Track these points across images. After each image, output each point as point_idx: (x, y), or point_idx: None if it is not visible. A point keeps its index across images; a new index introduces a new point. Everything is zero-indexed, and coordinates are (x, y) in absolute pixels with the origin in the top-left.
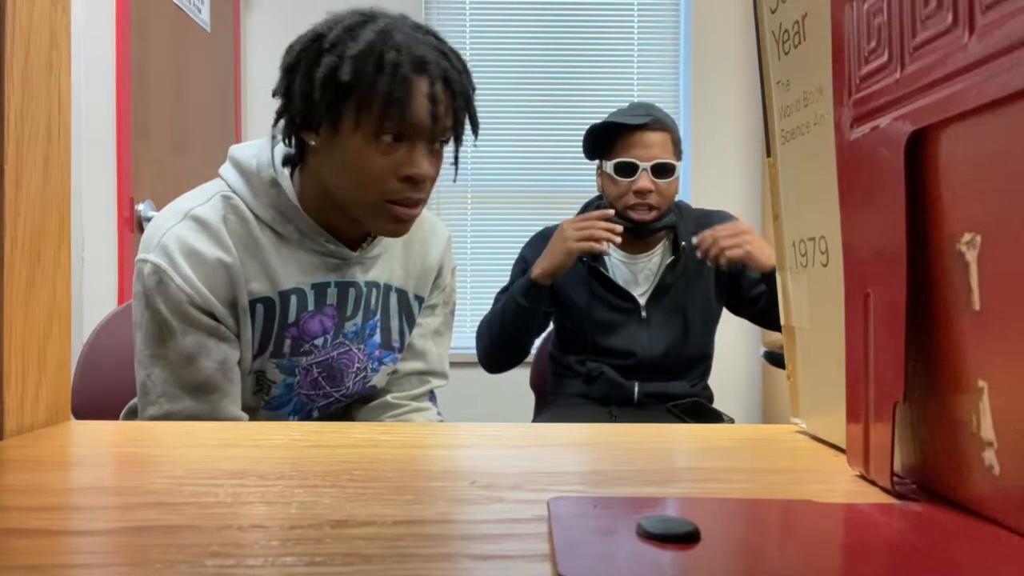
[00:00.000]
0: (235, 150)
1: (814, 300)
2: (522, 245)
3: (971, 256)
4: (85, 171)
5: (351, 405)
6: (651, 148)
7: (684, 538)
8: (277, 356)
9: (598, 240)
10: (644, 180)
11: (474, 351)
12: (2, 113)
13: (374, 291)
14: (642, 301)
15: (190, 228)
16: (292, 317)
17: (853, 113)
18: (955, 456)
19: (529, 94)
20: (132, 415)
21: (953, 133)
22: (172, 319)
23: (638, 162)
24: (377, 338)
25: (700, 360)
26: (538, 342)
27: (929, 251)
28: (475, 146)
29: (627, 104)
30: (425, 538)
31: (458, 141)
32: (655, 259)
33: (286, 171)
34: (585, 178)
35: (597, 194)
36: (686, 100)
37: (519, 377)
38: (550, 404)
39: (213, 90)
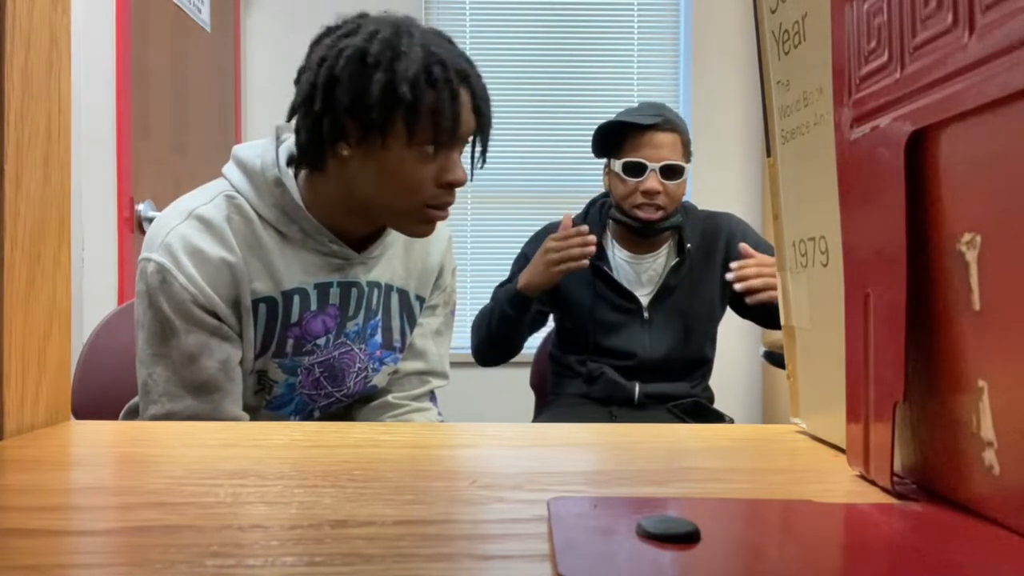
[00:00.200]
0: (239, 150)
1: (814, 300)
2: (521, 244)
3: (971, 256)
4: (85, 171)
5: (352, 405)
6: (661, 149)
7: (684, 538)
8: (279, 356)
9: (575, 259)
10: (652, 181)
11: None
12: (2, 113)
13: (376, 291)
14: (645, 302)
15: (194, 227)
16: (295, 317)
17: (853, 113)
18: (955, 456)
19: (529, 94)
20: (132, 415)
21: (953, 133)
22: (175, 318)
23: (647, 162)
24: (378, 338)
25: (701, 362)
26: (538, 342)
27: (929, 251)
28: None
29: (637, 104)
30: (425, 538)
31: (485, 144)
32: (660, 260)
33: (290, 171)
34: (585, 178)
35: (602, 192)
36: (686, 100)
37: (519, 377)
38: (550, 404)
39: (213, 90)
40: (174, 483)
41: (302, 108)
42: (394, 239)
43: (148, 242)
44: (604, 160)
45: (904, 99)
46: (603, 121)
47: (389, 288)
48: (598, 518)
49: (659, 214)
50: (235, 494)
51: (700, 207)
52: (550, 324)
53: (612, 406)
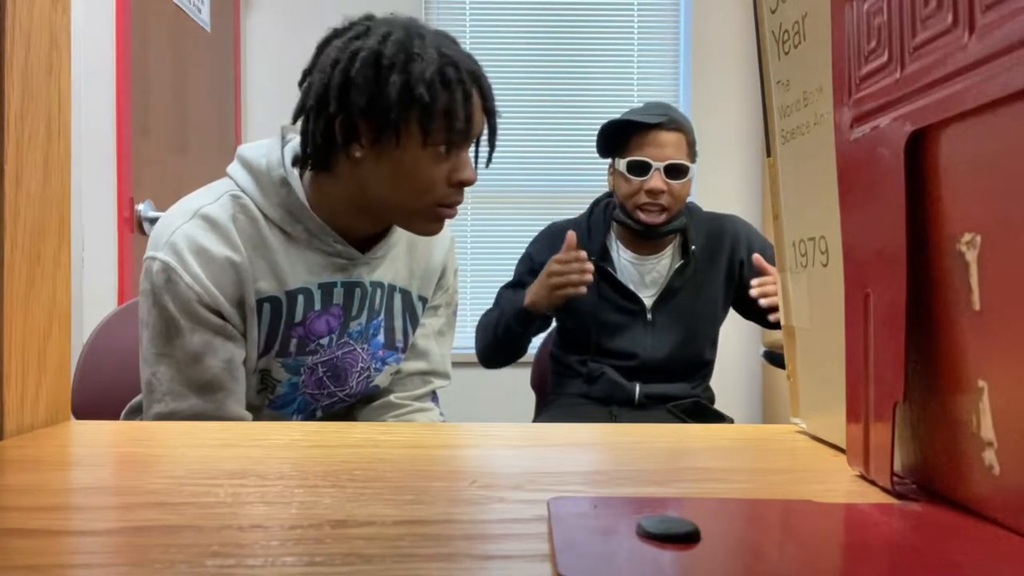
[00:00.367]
0: (244, 150)
1: (814, 300)
2: (521, 244)
3: (971, 256)
4: (85, 171)
5: (354, 405)
6: (665, 148)
7: (684, 538)
8: (283, 355)
9: (575, 284)
10: (656, 180)
11: (474, 351)
12: (2, 113)
13: (379, 291)
14: (648, 303)
15: (199, 227)
16: (299, 316)
17: (853, 113)
18: (955, 456)
19: (529, 94)
20: (133, 414)
21: (953, 133)
22: (180, 317)
23: (651, 161)
24: (381, 338)
25: (703, 363)
26: (539, 342)
27: (929, 251)
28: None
29: (642, 104)
30: (425, 538)
31: (493, 144)
32: (664, 262)
33: (295, 171)
34: (584, 178)
35: (606, 191)
36: (686, 100)
37: (520, 377)
38: (550, 404)
39: (213, 90)
40: (174, 483)
41: (314, 110)
42: (397, 239)
43: (153, 241)
44: (607, 160)
45: (904, 99)
46: (605, 121)
47: (392, 288)
48: (598, 518)
49: (662, 217)
50: (235, 494)
51: (701, 207)
52: (551, 323)
53: (612, 406)
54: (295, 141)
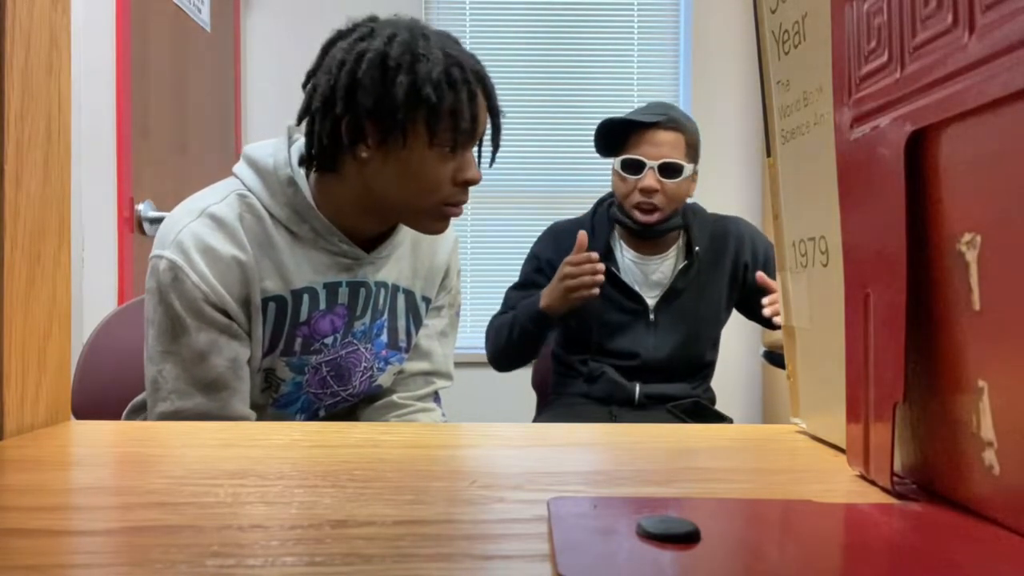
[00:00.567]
0: (251, 149)
1: (814, 300)
2: (521, 244)
3: (971, 256)
4: (85, 171)
5: (357, 404)
6: (660, 147)
7: (684, 538)
8: (287, 354)
9: (588, 286)
10: (650, 178)
11: (475, 351)
12: (2, 113)
13: (383, 291)
14: (651, 304)
15: (206, 225)
16: (304, 316)
17: (853, 113)
18: (955, 456)
19: (529, 94)
20: (135, 413)
21: (953, 133)
22: (186, 316)
23: (645, 160)
24: (384, 338)
25: (704, 364)
26: None
27: (929, 251)
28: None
29: (646, 103)
30: (425, 538)
31: (497, 144)
32: (668, 262)
33: (302, 171)
34: (584, 178)
35: (610, 191)
36: (686, 100)
37: (520, 377)
38: (551, 404)
39: (213, 90)
40: (174, 483)
41: (320, 111)
42: (402, 240)
43: (160, 239)
44: (610, 160)
45: (904, 99)
46: (602, 120)
47: (396, 288)
48: (598, 518)
49: (655, 216)
50: (235, 494)
51: (705, 209)
52: None
53: (612, 406)
54: (301, 141)
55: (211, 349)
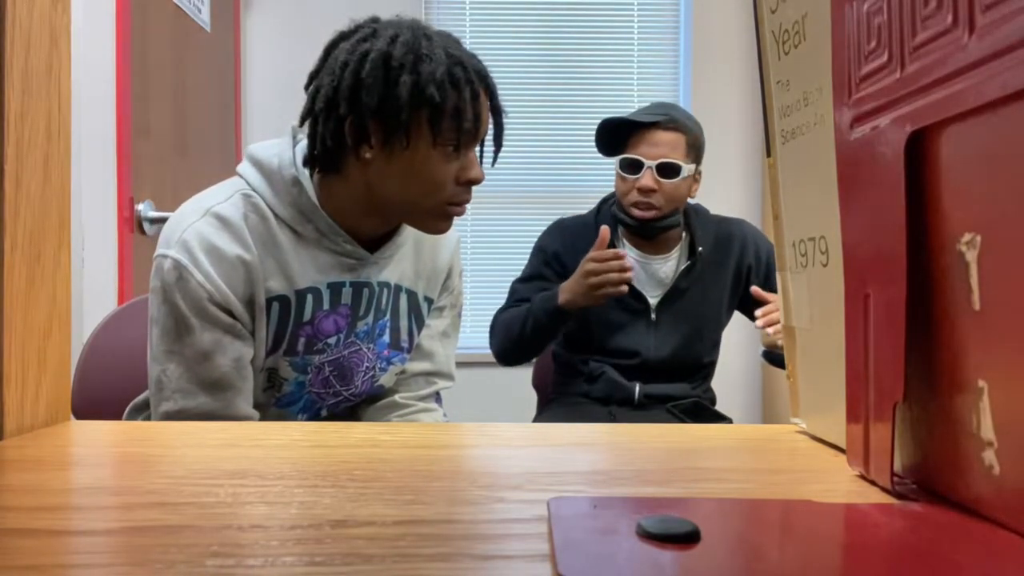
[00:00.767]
0: (255, 149)
1: (814, 300)
2: (520, 244)
3: (971, 256)
4: (85, 171)
5: (359, 404)
6: (659, 147)
7: (684, 538)
8: (290, 354)
9: (614, 283)
10: (647, 178)
11: (476, 351)
12: (2, 113)
13: (385, 291)
14: (653, 303)
15: (211, 225)
16: (307, 316)
17: (853, 113)
18: (955, 456)
19: (529, 94)
20: (137, 412)
21: (953, 133)
22: (190, 315)
23: (643, 160)
24: (386, 338)
25: (704, 365)
26: None
27: (929, 251)
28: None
29: (649, 103)
30: (425, 538)
31: (500, 143)
32: (671, 263)
33: (306, 171)
34: (583, 178)
35: (613, 190)
36: (686, 100)
37: (521, 377)
38: (551, 403)
39: (213, 90)
40: (174, 483)
41: (323, 112)
42: (404, 240)
43: (165, 239)
44: (612, 159)
45: (904, 99)
46: (603, 119)
47: (398, 289)
48: (598, 518)
49: (651, 213)
50: (235, 494)
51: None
52: None
53: (612, 405)
54: (305, 141)
55: (215, 349)
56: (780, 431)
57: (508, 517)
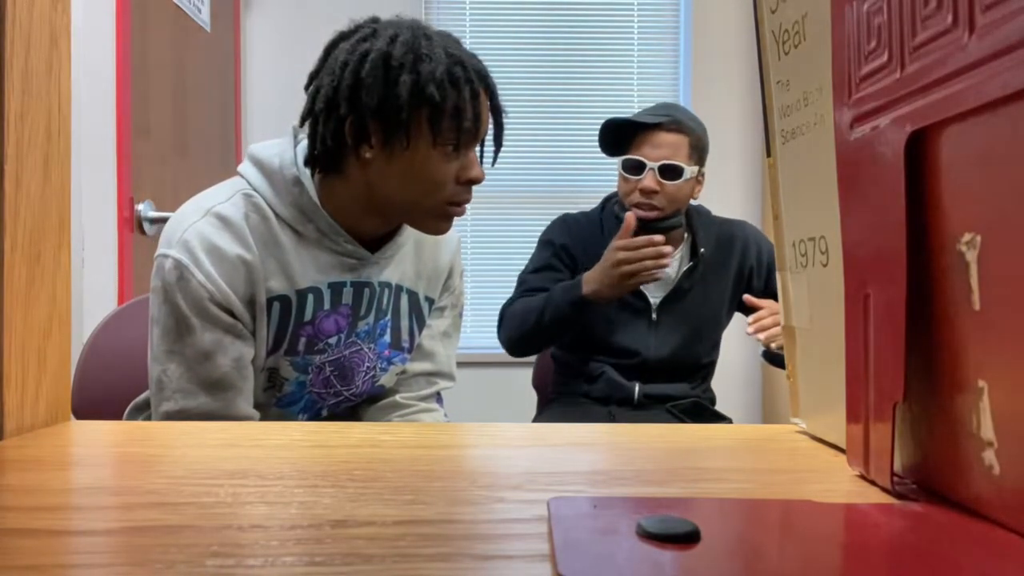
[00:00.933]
0: (256, 149)
1: (814, 300)
2: (520, 244)
3: (971, 256)
4: (85, 171)
5: (360, 405)
6: (661, 148)
7: (684, 538)
8: (291, 354)
9: (649, 270)
10: (649, 179)
11: (477, 351)
12: (2, 113)
13: (386, 291)
14: (654, 303)
15: (212, 225)
16: (308, 315)
17: (853, 113)
18: (955, 456)
19: (528, 95)
20: (138, 411)
21: (953, 133)
22: (191, 315)
23: (646, 161)
24: (387, 338)
25: (703, 365)
26: None
27: (929, 251)
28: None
29: (653, 104)
30: (425, 538)
31: (500, 143)
32: (673, 263)
33: (307, 171)
34: (583, 178)
35: (615, 189)
36: (686, 100)
37: (521, 377)
38: (551, 403)
39: (213, 90)
40: (174, 483)
41: (323, 112)
42: (405, 240)
43: (166, 238)
44: (614, 158)
45: (904, 99)
46: (604, 120)
47: (399, 289)
48: (598, 518)
49: (653, 214)
50: (235, 494)
51: (711, 211)
52: None
53: (611, 405)
54: (306, 141)
55: (216, 349)
56: (780, 431)
57: (508, 517)
